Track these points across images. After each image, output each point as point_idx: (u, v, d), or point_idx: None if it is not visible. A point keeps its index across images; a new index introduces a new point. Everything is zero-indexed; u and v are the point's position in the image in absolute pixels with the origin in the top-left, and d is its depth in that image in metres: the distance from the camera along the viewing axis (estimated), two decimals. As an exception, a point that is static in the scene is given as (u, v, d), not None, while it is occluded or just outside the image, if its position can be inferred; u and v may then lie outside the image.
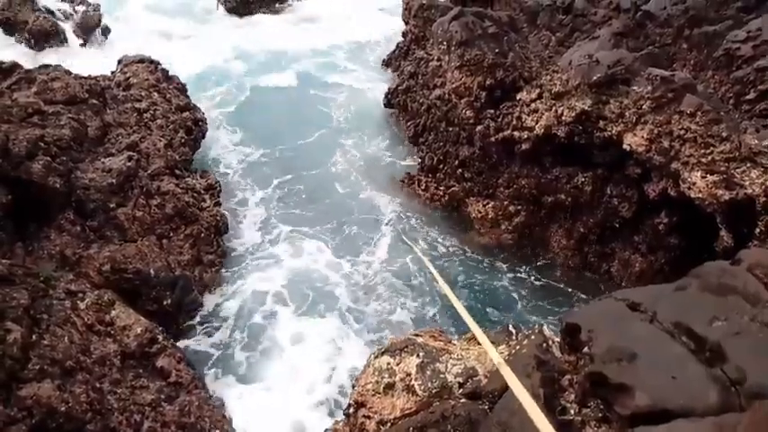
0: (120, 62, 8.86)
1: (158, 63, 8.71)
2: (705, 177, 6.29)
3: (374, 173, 9.34)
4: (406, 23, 10.84)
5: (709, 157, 6.34)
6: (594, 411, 2.83)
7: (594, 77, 7.17)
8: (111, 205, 6.72)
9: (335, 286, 7.08)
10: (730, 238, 6.43)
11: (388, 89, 10.83)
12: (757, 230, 6.12)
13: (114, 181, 6.83)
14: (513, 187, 8.39)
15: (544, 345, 3.77)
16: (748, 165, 6.16)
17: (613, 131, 7.08)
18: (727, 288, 2.83)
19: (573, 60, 7.60)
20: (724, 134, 6.36)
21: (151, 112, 7.88)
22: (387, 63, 11.96)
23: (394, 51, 11.57)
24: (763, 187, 5.97)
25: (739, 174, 6.20)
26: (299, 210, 8.32)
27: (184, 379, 5.58)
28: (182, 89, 8.62)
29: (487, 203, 8.54)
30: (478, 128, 8.50)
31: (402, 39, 11.28)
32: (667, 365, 2.47)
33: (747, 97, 7.07)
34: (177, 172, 7.55)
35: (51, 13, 11.22)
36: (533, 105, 7.98)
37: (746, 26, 7.49)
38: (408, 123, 10.13)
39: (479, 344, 4.58)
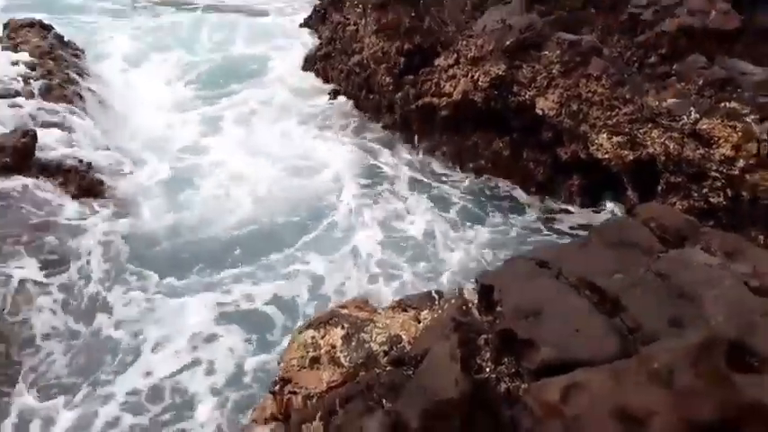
0: (5, 27, 8.02)
1: (51, 27, 7.97)
2: (611, 139, 6.61)
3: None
4: (322, -14, 10.57)
5: (615, 119, 6.65)
6: (508, 368, 2.94)
7: (507, 42, 7.28)
8: (6, 186, 6.18)
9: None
10: (636, 196, 6.82)
11: (306, 55, 10.55)
12: (659, 188, 6.52)
13: (9, 159, 6.29)
14: (435, 154, 8.47)
15: (464, 307, 3.86)
16: (650, 126, 6.51)
17: (527, 96, 7.26)
18: (625, 242, 2.99)
19: (487, 25, 7.68)
20: (627, 96, 6.67)
21: (46, 81, 7.22)
22: (305, 25, 11.64)
23: (311, 15, 11.26)
24: (663, 146, 6.34)
25: (642, 134, 6.54)
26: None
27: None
28: (79, 56, 7.94)
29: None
30: (398, 95, 8.47)
31: (318, 2, 10.99)
32: (571, 319, 2.59)
33: (649, 61, 7.43)
34: (80, 146, 7.02)
35: None
36: (451, 71, 8.02)
37: (648, -8, 7.83)
38: (329, 91, 9.93)
39: (404, 311, 4.65)
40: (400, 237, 6.99)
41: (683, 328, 2.42)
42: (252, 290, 6.07)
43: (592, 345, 2.41)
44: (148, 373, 5.16)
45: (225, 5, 14.32)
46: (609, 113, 6.64)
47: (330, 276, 6.35)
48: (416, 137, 8.59)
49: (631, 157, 6.57)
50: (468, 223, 7.23)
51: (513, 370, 2.92)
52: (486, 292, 3.46)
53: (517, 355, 2.77)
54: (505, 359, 3.01)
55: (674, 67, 6.88)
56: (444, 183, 8.02)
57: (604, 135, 6.62)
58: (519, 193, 7.78)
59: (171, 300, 5.90)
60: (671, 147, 6.28)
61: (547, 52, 7.07)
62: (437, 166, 8.29)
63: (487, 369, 3.16)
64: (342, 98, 9.48)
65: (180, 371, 5.20)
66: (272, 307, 5.92)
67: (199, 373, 5.20)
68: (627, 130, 6.55)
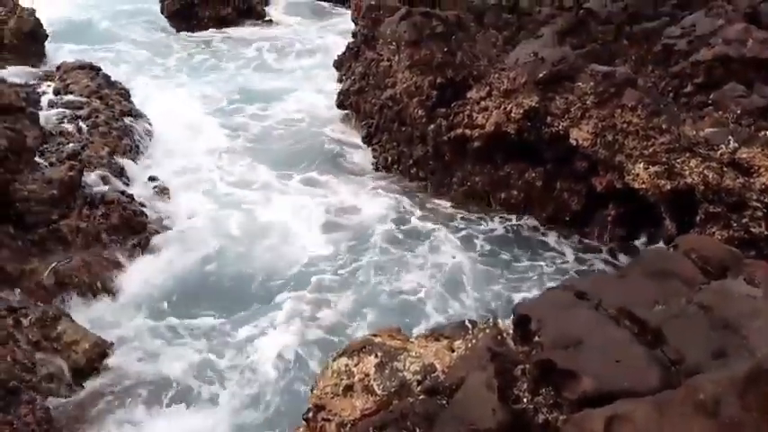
0: (58, 68, 8.54)
1: (99, 69, 8.45)
2: (647, 168, 6.53)
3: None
4: (356, 24, 10.87)
5: (651, 149, 6.59)
6: (546, 398, 2.89)
7: (540, 75, 7.34)
8: (54, 217, 6.47)
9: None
10: (674, 226, 6.69)
11: (340, 91, 10.82)
12: (698, 218, 6.39)
13: (56, 192, 6.59)
14: (467, 185, 8.50)
15: (499, 337, 3.83)
16: (687, 155, 6.43)
17: (560, 127, 7.27)
18: (665, 273, 2.94)
19: (519, 58, 7.77)
20: (664, 126, 6.62)
21: (93, 119, 7.61)
22: (338, 65, 11.95)
23: (344, 53, 11.58)
24: (702, 176, 6.24)
25: (679, 164, 6.46)
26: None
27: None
28: (125, 95, 8.37)
29: (443, 202, 8.62)
30: (431, 127, 8.57)
31: (352, 39, 11.30)
32: (612, 350, 2.55)
33: (685, 90, 7.39)
34: (123, 180, 7.33)
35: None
36: (483, 103, 8.11)
37: (681, 22, 7.84)
38: (362, 124, 10.14)
39: (437, 340, 4.63)
40: (429, 276, 6.95)
41: (726, 360, 2.36)
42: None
43: (634, 376, 2.37)
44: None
45: (258, 37, 14.92)
46: (645, 143, 6.59)
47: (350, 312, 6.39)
48: (442, 178, 8.70)
49: (669, 187, 6.48)
50: (496, 264, 7.19)
51: (552, 401, 2.87)
52: (522, 322, 3.43)
53: (556, 386, 2.73)
54: (543, 390, 2.97)
55: (711, 96, 6.83)
56: (473, 223, 7.98)
57: (641, 165, 6.56)
58: (549, 235, 7.72)
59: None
60: (710, 176, 6.17)
61: (580, 84, 7.10)
62: (466, 206, 8.29)
63: (525, 399, 3.11)
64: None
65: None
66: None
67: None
68: (664, 159, 6.48)
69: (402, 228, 7.84)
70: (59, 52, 12.06)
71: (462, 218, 8.05)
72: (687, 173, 6.39)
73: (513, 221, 7.95)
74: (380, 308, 6.40)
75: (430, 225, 7.85)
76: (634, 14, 8.36)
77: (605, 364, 2.47)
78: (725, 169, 6.12)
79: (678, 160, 6.46)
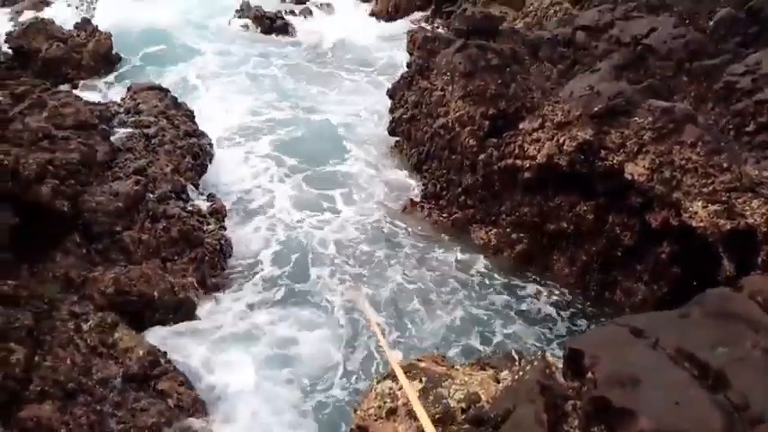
0: (129, 89, 9.07)
1: (168, 91, 8.92)
2: (706, 207, 6.35)
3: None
4: (411, 54, 11.07)
5: (711, 187, 6.42)
6: (598, 437, 2.83)
7: (595, 108, 7.29)
8: (118, 228, 6.79)
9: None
10: (732, 267, 6.44)
11: (393, 118, 11.00)
12: (759, 260, 6.15)
13: (121, 204, 6.92)
14: (516, 215, 8.45)
15: (547, 371, 3.77)
16: (749, 195, 6.23)
17: (615, 161, 7.17)
18: (729, 314, 2.86)
19: (574, 92, 7.75)
20: (725, 164, 6.45)
21: (159, 137, 8.01)
22: (391, 93, 12.16)
23: (398, 81, 11.79)
24: (765, 217, 6.02)
25: (740, 204, 6.26)
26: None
27: (185, 402, 5.55)
28: (190, 116, 8.79)
29: (490, 230, 8.59)
30: (481, 156, 8.60)
31: (406, 69, 11.50)
32: (670, 391, 2.49)
33: (747, 129, 7.16)
34: (183, 196, 7.65)
35: (65, 41, 11.51)
36: (535, 135, 8.10)
37: (745, 60, 7.65)
38: (412, 151, 10.25)
39: (483, 369, 4.59)
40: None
41: (796, 410, 2.27)
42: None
43: (694, 419, 2.30)
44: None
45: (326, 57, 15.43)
46: (704, 181, 6.42)
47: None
48: (490, 207, 8.72)
49: (728, 227, 6.27)
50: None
51: (605, 440, 2.81)
52: (574, 357, 3.38)
53: (610, 425, 2.67)
54: (595, 427, 2.91)
55: (776, 136, 6.60)
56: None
57: (699, 203, 6.38)
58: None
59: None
60: (773, 218, 5.95)
61: (637, 118, 7.01)
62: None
63: (575, 437, 3.05)
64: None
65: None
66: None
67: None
68: (724, 198, 6.29)
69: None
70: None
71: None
72: (748, 213, 6.18)
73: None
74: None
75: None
76: (695, 51, 8.20)
77: (664, 404, 2.41)
78: (790, 212, 5.89)
79: (739, 200, 6.26)
